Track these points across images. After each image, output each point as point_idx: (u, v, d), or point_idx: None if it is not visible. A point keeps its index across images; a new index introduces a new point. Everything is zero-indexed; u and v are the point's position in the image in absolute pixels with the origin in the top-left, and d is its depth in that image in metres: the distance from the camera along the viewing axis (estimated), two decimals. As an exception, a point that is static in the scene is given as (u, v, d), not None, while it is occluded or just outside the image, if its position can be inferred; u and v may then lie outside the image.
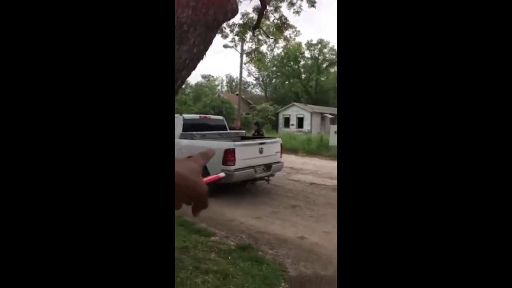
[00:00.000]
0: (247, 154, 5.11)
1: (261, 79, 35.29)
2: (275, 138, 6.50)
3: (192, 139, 5.63)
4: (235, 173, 4.89)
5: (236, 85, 34.30)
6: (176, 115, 6.08)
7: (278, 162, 5.76)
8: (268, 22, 6.83)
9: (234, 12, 2.74)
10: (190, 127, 5.86)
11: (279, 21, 6.52)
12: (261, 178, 5.61)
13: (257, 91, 37.45)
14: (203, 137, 5.78)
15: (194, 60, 2.50)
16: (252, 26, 6.47)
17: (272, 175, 5.81)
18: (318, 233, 3.68)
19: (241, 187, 5.58)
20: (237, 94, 22.44)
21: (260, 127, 8.45)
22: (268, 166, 5.49)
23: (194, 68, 2.57)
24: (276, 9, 6.48)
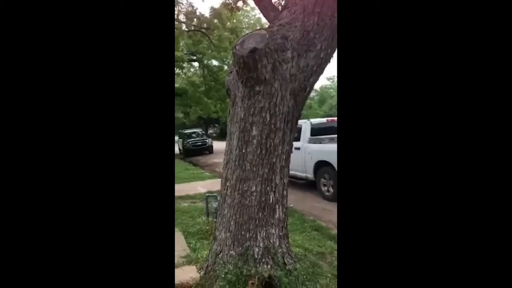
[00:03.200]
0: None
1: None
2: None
3: (320, 143, 5.61)
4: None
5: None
6: (303, 120, 6.20)
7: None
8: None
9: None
10: (318, 132, 5.84)
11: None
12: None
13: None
14: (332, 140, 5.66)
15: (322, 65, 2.47)
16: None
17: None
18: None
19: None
20: (362, 93, 21.08)
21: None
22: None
23: (321, 72, 2.55)
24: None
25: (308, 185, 5.77)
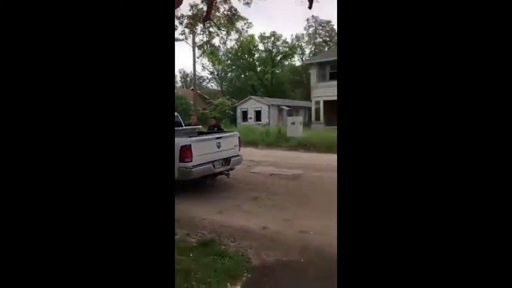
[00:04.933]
0: (205, 150, 5.02)
1: (216, 73, 34.92)
2: (232, 131, 6.47)
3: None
4: (193, 169, 4.78)
5: (191, 80, 33.54)
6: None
7: (237, 156, 5.75)
8: (218, 14, 6.72)
9: (179, 2, 2.64)
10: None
11: (229, 13, 6.45)
12: (221, 173, 5.56)
13: (213, 85, 37.01)
14: (157, 134, 5.55)
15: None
16: (202, 17, 6.31)
17: (232, 169, 5.79)
18: (280, 222, 3.77)
19: (202, 183, 5.48)
20: (192, 89, 21.98)
21: (218, 122, 8.37)
22: (226, 160, 5.45)
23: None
24: (226, 0, 6.40)
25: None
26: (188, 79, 38.63)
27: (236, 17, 6.57)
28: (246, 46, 27.66)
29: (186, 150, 4.73)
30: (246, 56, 30.90)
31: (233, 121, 23.22)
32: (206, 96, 28.11)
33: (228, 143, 5.55)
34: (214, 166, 5.17)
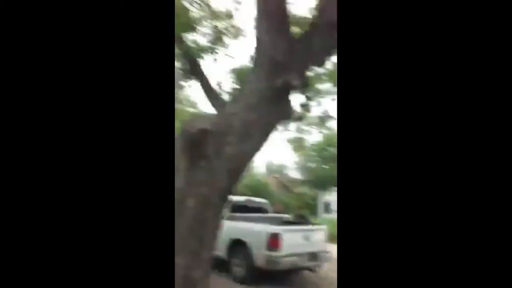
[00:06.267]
0: (293, 240, 5.02)
1: (298, 162, 35.82)
2: (319, 224, 6.36)
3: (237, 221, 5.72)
4: (280, 259, 4.74)
5: (274, 168, 34.98)
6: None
7: (325, 252, 5.51)
8: (311, 115, 7.50)
9: (290, 116, 3.20)
10: (236, 210, 6.01)
11: (322, 114, 7.15)
12: (308, 268, 5.33)
13: (293, 173, 37.62)
14: (247, 219, 5.83)
15: (255, 152, 2.88)
16: (297, 118, 7.12)
17: (319, 265, 5.50)
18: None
19: (285, 277, 5.30)
20: (275, 177, 22.82)
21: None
22: (314, 255, 5.26)
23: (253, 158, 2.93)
24: (319, 103, 7.20)
25: (214, 265, 5.58)
26: (273, 167, 40.38)
27: (327, 117, 7.21)
28: (331, 139, 28.24)
29: (275, 239, 4.81)
30: (331, 148, 31.26)
31: (313, 212, 22.45)
32: (286, 184, 28.57)
33: (316, 236, 5.44)
34: (301, 259, 5.03)
